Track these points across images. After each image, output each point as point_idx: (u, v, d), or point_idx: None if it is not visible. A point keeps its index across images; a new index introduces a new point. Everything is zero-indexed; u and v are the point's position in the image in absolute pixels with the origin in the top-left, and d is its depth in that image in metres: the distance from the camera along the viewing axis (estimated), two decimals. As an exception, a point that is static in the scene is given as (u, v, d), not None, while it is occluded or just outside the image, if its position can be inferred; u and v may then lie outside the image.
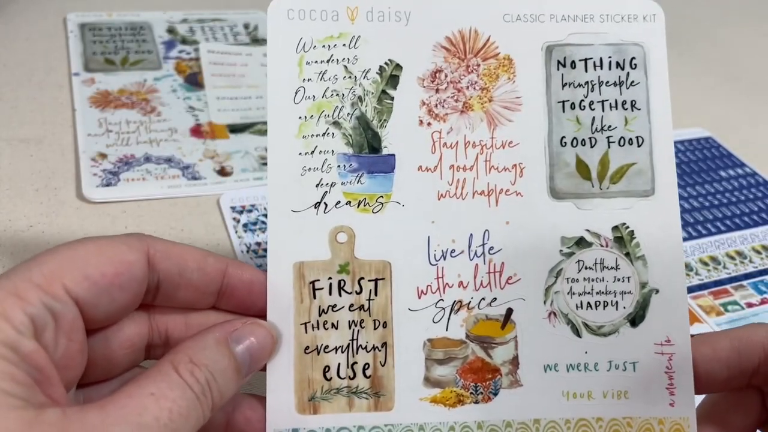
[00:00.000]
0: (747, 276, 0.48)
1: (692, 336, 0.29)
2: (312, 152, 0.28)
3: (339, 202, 0.28)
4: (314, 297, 0.28)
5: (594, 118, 0.29)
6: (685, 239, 0.50)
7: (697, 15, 0.85)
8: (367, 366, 0.28)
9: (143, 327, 0.27)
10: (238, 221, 0.44)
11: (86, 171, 0.45)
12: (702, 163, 0.60)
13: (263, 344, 0.26)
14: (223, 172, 0.48)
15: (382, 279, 0.28)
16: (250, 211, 0.45)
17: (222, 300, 0.27)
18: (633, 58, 0.30)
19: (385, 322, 0.28)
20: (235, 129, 0.52)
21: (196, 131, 0.51)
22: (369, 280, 0.28)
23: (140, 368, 0.28)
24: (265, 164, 0.49)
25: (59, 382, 0.22)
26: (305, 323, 0.27)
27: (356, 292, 0.28)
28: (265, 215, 0.45)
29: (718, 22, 0.85)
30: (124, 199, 0.44)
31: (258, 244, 0.43)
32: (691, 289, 0.45)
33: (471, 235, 0.28)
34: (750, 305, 0.45)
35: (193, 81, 0.56)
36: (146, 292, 0.26)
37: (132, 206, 0.44)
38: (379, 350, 0.28)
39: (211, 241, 0.43)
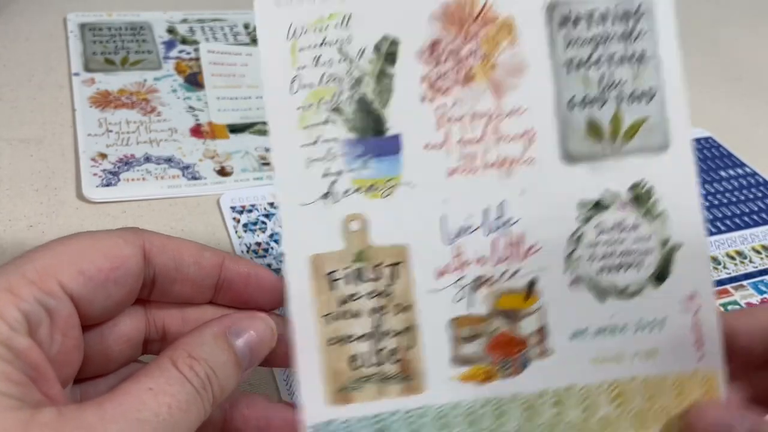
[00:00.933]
0: (747, 276, 0.48)
1: (733, 310, 0.29)
2: (315, 142, 0.27)
3: (348, 189, 0.27)
4: (333, 288, 0.27)
5: (602, 75, 0.28)
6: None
7: (697, 15, 0.85)
8: (393, 351, 0.27)
9: (140, 322, 0.27)
10: (239, 221, 0.44)
11: (86, 171, 0.45)
12: (702, 163, 0.60)
13: (262, 337, 0.26)
14: (223, 172, 0.48)
15: (400, 263, 0.27)
16: (250, 211, 0.45)
17: (219, 294, 0.27)
18: (639, 5, 0.28)
19: (407, 306, 0.27)
20: (235, 129, 0.52)
21: (196, 131, 0.51)
22: (386, 266, 0.27)
23: (138, 363, 0.27)
24: (266, 164, 0.49)
25: (55, 379, 0.22)
26: (326, 315, 0.27)
27: (375, 279, 0.27)
28: (266, 215, 0.45)
29: (719, 22, 0.85)
30: (124, 199, 0.44)
31: (258, 244, 0.43)
32: (691, 289, 0.45)
33: (486, 209, 0.28)
34: (750, 305, 0.45)
35: (193, 81, 0.56)
36: (142, 287, 0.26)
37: (132, 206, 0.44)
38: (404, 334, 0.27)
39: (211, 241, 0.43)
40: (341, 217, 0.27)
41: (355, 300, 0.27)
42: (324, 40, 0.27)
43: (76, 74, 0.55)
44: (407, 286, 0.27)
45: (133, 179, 0.45)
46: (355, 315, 0.27)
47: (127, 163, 0.47)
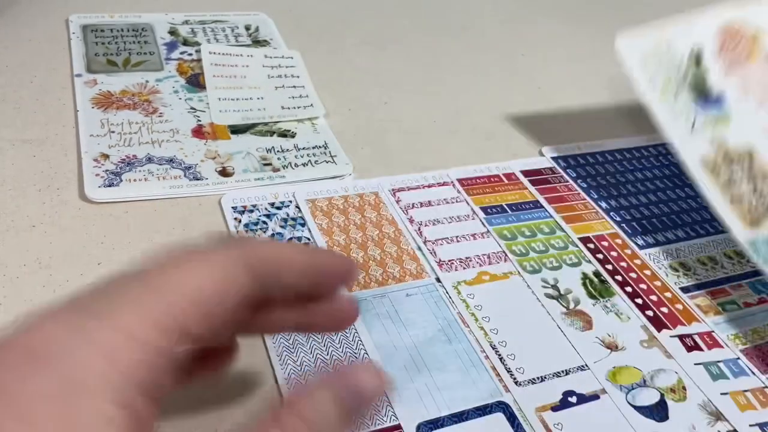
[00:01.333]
0: (744, 276, 0.48)
1: None
2: (674, 105, 0.48)
3: (703, 123, 0.47)
4: (720, 172, 0.45)
5: None
6: (683, 239, 0.50)
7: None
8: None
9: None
10: (240, 221, 0.45)
11: (89, 171, 0.46)
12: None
13: (373, 389, 0.25)
14: (224, 172, 0.48)
15: (752, 154, 0.46)
16: (251, 211, 0.45)
17: (315, 289, 0.28)
18: None
19: (765, 176, 0.45)
20: (237, 130, 0.52)
21: (198, 132, 0.51)
22: (744, 157, 0.46)
23: None
24: (267, 164, 0.49)
25: (154, 420, 0.20)
26: (723, 185, 0.45)
27: (739, 164, 0.45)
28: (267, 215, 0.45)
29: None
30: (127, 199, 0.45)
31: (259, 244, 0.43)
32: (688, 289, 0.46)
33: None
34: (747, 304, 0.45)
35: (195, 82, 0.56)
36: (250, 302, 0.25)
37: (134, 206, 0.44)
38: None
39: (213, 241, 0.43)
40: (706, 137, 0.47)
41: (736, 175, 0.45)
42: (659, 57, 0.50)
43: (79, 75, 0.55)
44: (760, 165, 0.46)
45: (135, 180, 0.46)
46: (738, 183, 0.45)
47: (129, 163, 0.47)
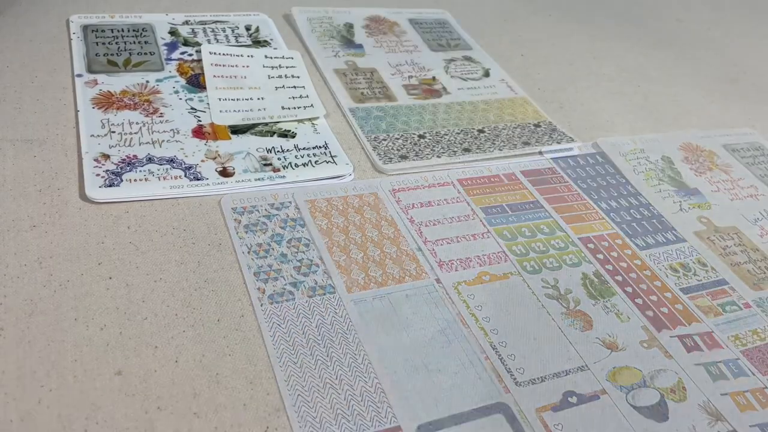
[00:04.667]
0: (745, 276, 0.48)
1: None
2: (660, 191, 0.55)
3: (689, 207, 0.54)
4: (714, 242, 0.51)
5: None
6: (682, 240, 0.50)
7: (695, 17, 0.85)
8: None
9: None
10: (239, 222, 0.45)
11: (89, 171, 0.46)
12: (701, 164, 0.60)
13: None
14: (224, 173, 0.48)
15: (736, 232, 0.52)
16: (251, 212, 0.45)
17: None
18: None
19: (754, 249, 0.51)
20: (237, 130, 0.52)
21: (198, 132, 0.51)
22: (732, 234, 0.52)
23: None
24: (267, 165, 0.49)
25: None
26: (720, 254, 0.50)
27: (729, 239, 0.51)
28: (266, 216, 0.45)
29: (717, 23, 0.85)
30: (127, 199, 0.45)
31: (259, 245, 0.43)
32: (689, 290, 0.46)
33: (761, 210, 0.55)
34: (747, 306, 0.45)
35: (195, 82, 0.56)
36: None
37: (135, 206, 0.44)
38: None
39: (213, 242, 0.43)
40: (695, 217, 0.53)
41: (730, 247, 0.50)
42: (636, 154, 0.58)
43: (79, 75, 0.55)
44: (747, 238, 0.51)
45: (135, 180, 0.46)
46: (733, 253, 0.50)
47: (129, 163, 0.47)
